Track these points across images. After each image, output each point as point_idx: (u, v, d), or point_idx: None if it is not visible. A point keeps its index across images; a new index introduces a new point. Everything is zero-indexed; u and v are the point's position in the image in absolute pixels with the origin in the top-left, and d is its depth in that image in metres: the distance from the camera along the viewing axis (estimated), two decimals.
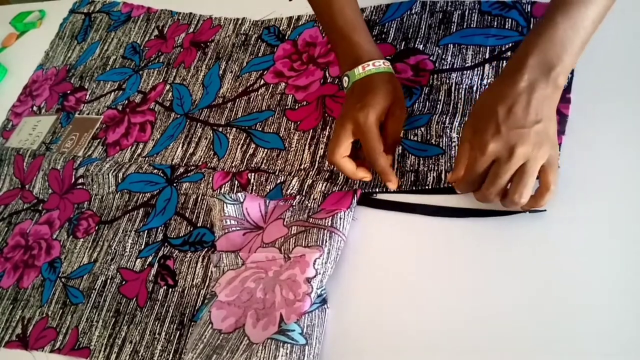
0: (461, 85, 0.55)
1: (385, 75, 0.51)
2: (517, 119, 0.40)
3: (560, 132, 0.48)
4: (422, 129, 0.54)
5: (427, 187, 0.51)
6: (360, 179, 0.52)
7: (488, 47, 0.56)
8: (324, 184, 0.55)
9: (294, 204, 0.54)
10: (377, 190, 0.53)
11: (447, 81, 0.56)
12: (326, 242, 0.49)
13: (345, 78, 0.53)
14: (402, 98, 0.52)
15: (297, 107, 0.64)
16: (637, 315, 0.40)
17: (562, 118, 0.49)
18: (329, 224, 0.50)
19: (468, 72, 0.56)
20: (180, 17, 0.82)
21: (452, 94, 0.55)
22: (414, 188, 0.52)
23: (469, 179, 0.44)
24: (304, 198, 0.55)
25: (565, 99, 0.49)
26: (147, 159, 0.69)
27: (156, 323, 0.54)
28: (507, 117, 0.41)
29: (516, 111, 0.41)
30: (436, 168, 0.51)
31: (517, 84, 0.41)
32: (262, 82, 0.68)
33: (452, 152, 0.51)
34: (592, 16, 0.41)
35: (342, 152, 0.50)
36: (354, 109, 0.50)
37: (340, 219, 0.51)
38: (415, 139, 0.54)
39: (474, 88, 0.55)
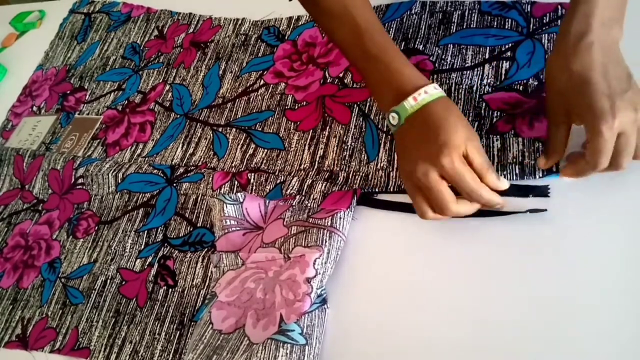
0: (461, 86, 0.55)
1: (442, 102, 0.44)
2: (618, 80, 0.39)
3: None
4: None
5: None
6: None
7: (488, 47, 0.56)
8: (324, 184, 0.55)
9: (293, 204, 0.54)
10: (377, 190, 0.53)
11: (447, 81, 0.56)
12: (326, 242, 0.49)
13: (394, 115, 0.45)
14: (468, 123, 0.44)
15: (296, 107, 0.64)
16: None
17: None
18: (329, 223, 0.50)
19: (468, 72, 0.56)
20: (180, 17, 0.82)
21: (452, 94, 0.55)
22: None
23: (596, 162, 0.40)
24: (303, 198, 0.55)
25: None
26: (146, 159, 0.69)
27: (156, 323, 0.54)
28: (609, 83, 0.39)
29: (611, 74, 0.39)
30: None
31: (590, 50, 0.40)
32: (262, 82, 0.68)
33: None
34: None
35: (451, 199, 0.43)
36: (431, 155, 0.42)
37: (340, 218, 0.51)
38: None
39: (474, 88, 0.55)
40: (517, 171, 0.48)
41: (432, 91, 0.44)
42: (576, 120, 0.42)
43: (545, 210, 0.45)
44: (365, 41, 0.48)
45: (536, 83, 0.52)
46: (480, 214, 0.47)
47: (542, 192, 0.46)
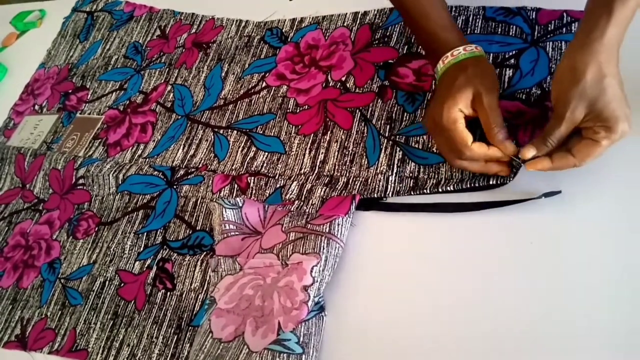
0: None
1: (463, 64, 0.48)
2: (623, 92, 0.42)
3: None
4: (425, 136, 0.53)
5: (424, 191, 0.51)
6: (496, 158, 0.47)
7: (491, 54, 0.55)
8: (323, 189, 0.54)
9: (292, 209, 0.54)
10: (375, 195, 0.53)
11: None
12: (323, 249, 0.49)
13: (435, 76, 0.52)
14: (489, 80, 0.47)
15: (298, 110, 0.63)
16: None
17: None
18: (327, 230, 0.50)
19: None
20: (182, 17, 0.82)
21: None
22: (412, 193, 0.51)
23: (584, 162, 0.43)
24: (302, 203, 0.54)
25: None
26: (147, 160, 0.69)
27: (154, 326, 0.54)
28: (622, 95, 0.41)
29: (623, 89, 0.42)
30: (436, 176, 0.51)
31: (611, 60, 0.41)
32: (264, 84, 0.67)
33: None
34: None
35: (467, 140, 0.46)
36: (431, 111, 0.49)
37: (338, 225, 0.50)
38: (417, 146, 0.54)
39: None
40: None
41: (457, 53, 0.48)
42: (592, 122, 0.42)
43: (560, 192, 0.45)
44: (422, 11, 0.52)
45: (539, 92, 0.51)
46: (484, 206, 0.47)
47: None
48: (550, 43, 0.54)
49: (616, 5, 0.41)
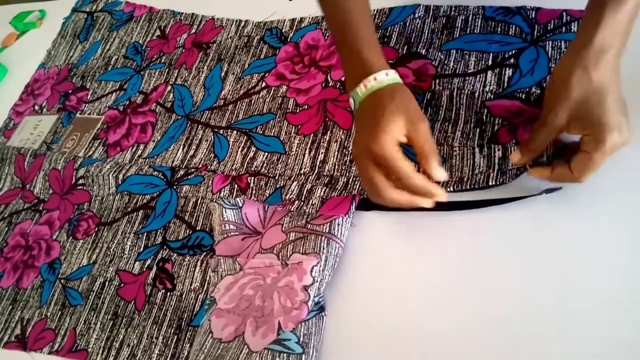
0: (463, 91, 0.55)
1: (390, 90, 0.45)
2: (622, 104, 0.40)
3: None
4: None
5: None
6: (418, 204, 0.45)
7: (491, 54, 0.55)
8: (323, 189, 0.54)
9: (292, 209, 0.54)
10: None
11: (449, 86, 0.56)
12: (323, 249, 0.49)
13: (351, 100, 0.48)
14: (416, 109, 0.45)
15: (298, 110, 0.63)
16: None
17: None
18: (327, 230, 0.50)
19: (470, 78, 0.55)
20: (182, 18, 0.82)
21: (454, 100, 0.55)
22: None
23: (582, 176, 0.42)
24: (302, 203, 0.54)
25: None
26: (147, 160, 0.69)
27: (154, 327, 0.54)
28: (622, 105, 0.40)
29: (618, 97, 0.40)
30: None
31: (602, 66, 0.40)
32: (264, 84, 0.67)
33: (452, 160, 0.51)
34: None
35: (382, 187, 0.44)
36: (366, 140, 0.44)
37: (338, 225, 0.50)
38: None
39: (476, 94, 0.54)
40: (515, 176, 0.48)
41: (382, 78, 0.46)
42: (577, 129, 0.42)
43: (561, 188, 0.45)
44: (345, 25, 0.49)
45: (539, 92, 0.51)
46: (485, 203, 0.47)
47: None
48: (550, 42, 0.54)
49: (607, 10, 0.40)
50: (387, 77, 0.46)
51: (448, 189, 0.49)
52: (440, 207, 0.48)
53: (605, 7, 0.40)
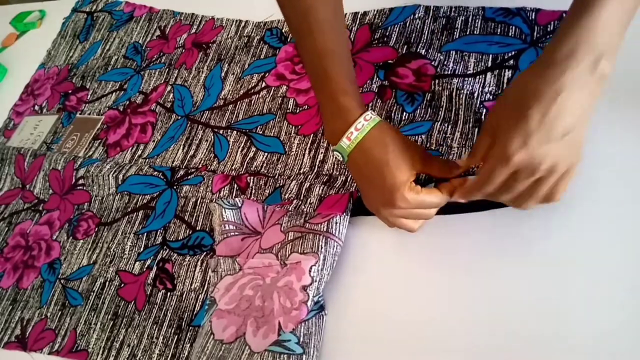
0: (462, 91, 0.55)
1: (375, 138, 0.43)
2: (548, 129, 0.35)
3: None
4: (423, 136, 0.53)
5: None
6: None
7: (490, 55, 0.56)
8: (321, 187, 0.54)
9: (290, 209, 0.54)
10: None
11: (449, 86, 0.56)
12: (321, 248, 0.49)
13: (337, 153, 0.46)
14: (408, 144, 0.44)
15: (298, 111, 0.63)
16: None
17: None
18: (325, 229, 0.50)
19: (469, 79, 0.55)
20: (182, 18, 0.82)
21: (454, 100, 0.55)
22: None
23: (481, 186, 0.40)
24: (300, 203, 0.54)
25: None
26: (147, 160, 0.69)
27: (154, 327, 0.54)
28: (539, 127, 0.35)
29: (550, 119, 0.35)
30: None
31: (557, 81, 0.35)
32: (264, 84, 0.68)
33: (450, 158, 0.51)
34: None
35: (413, 225, 0.45)
36: (381, 201, 0.43)
37: (336, 223, 0.50)
38: None
39: (475, 94, 0.54)
40: None
41: (362, 126, 0.43)
42: (494, 136, 0.39)
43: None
44: (319, 67, 0.45)
45: None
46: (484, 207, 0.46)
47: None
48: None
49: (574, 15, 0.36)
50: (366, 122, 0.43)
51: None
52: (441, 210, 0.49)
53: (572, 14, 0.36)
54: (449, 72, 0.57)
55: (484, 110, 0.53)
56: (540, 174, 0.37)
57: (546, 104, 0.35)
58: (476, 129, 0.52)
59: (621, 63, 0.40)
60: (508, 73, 0.54)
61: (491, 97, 0.53)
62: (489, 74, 0.54)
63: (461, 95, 0.55)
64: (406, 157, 0.43)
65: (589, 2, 0.35)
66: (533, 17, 0.56)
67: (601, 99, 0.37)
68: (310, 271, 0.47)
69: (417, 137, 0.54)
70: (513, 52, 0.55)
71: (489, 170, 0.38)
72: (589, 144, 0.45)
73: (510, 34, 0.56)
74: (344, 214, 0.50)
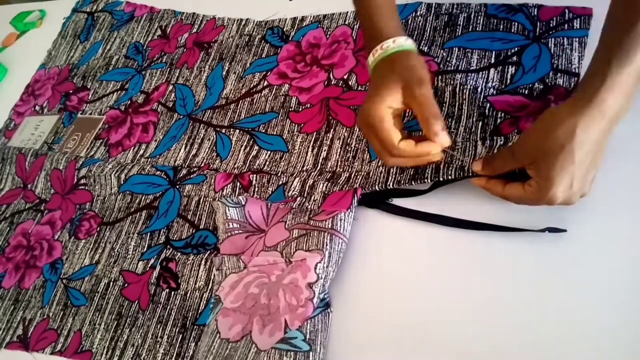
0: (466, 86, 0.55)
1: (395, 57, 0.46)
2: (588, 171, 0.40)
3: None
4: None
5: (425, 180, 0.50)
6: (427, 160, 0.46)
7: (494, 52, 0.56)
8: (325, 184, 0.54)
9: (294, 206, 0.54)
10: (377, 187, 0.52)
11: (452, 82, 0.56)
12: (327, 245, 0.49)
13: (369, 68, 0.50)
14: (417, 75, 0.45)
15: (300, 109, 0.63)
16: None
17: None
18: (329, 226, 0.50)
19: (473, 74, 0.55)
20: (183, 17, 0.82)
21: (457, 95, 0.55)
22: (412, 183, 0.51)
23: (517, 200, 0.43)
24: (304, 200, 0.54)
25: (567, 96, 0.50)
26: (149, 160, 0.68)
27: (158, 326, 0.54)
28: (582, 173, 0.39)
29: (590, 162, 0.40)
30: (434, 166, 0.51)
31: (598, 129, 0.39)
32: (266, 83, 0.67)
33: (455, 152, 0.51)
34: None
35: (382, 152, 0.46)
36: (362, 108, 0.47)
37: (341, 220, 0.50)
38: None
39: (479, 89, 0.54)
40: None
41: (388, 45, 0.47)
42: (532, 172, 0.42)
43: (565, 230, 0.44)
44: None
45: (542, 87, 0.51)
46: (494, 227, 0.46)
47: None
48: (552, 39, 0.54)
49: (612, 67, 0.38)
50: (393, 44, 0.47)
51: (449, 177, 0.49)
52: (444, 222, 0.49)
53: (611, 65, 0.38)
54: (452, 69, 0.57)
55: (488, 105, 0.52)
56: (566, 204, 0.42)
57: (587, 149, 0.39)
58: (480, 123, 0.52)
59: None
60: (511, 69, 0.54)
61: (495, 92, 0.53)
62: (492, 70, 0.54)
63: (465, 91, 0.54)
64: (404, 81, 0.44)
65: (622, 56, 0.38)
66: (535, 13, 0.56)
67: None
68: (315, 268, 0.47)
69: (420, 133, 0.54)
70: (516, 49, 0.55)
71: (532, 196, 0.41)
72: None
73: (513, 30, 0.56)
74: (349, 210, 0.50)
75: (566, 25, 0.54)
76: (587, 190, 0.41)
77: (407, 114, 0.56)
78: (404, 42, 0.47)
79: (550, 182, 0.39)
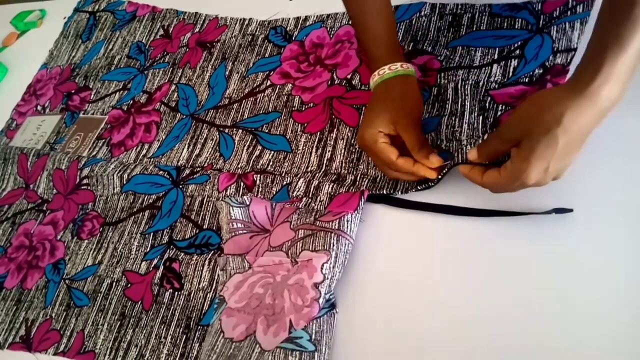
0: (467, 82, 0.54)
1: (389, 83, 0.51)
2: (567, 157, 0.40)
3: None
4: (432, 133, 0.53)
5: (431, 185, 0.50)
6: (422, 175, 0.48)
7: (497, 48, 0.55)
8: (331, 185, 0.54)
9: (300, 206, 0.54)
10: (384, 191, 0.52)
11: (454, 78, 0.55)
12: (333, 245, 0.48)
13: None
14: (408, 104, 0.49)
15: (304, 108, 0.63)
16: None
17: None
18: (336, 226, 0.50)
19: (475, 70, 0.55)
20: (185, 17, 0.82)
21: (459, 92, 0.54)
22: (418, 187, 0.51)
23: (492, 186, 0.44)
24: (310, 200, 0.54)
25: (563, 72, 0.50)
26: (152, 160, 0.68)
27: (162, 327, 0.54)
28: (560, 157, 0.39)
29: (570, 149, 0.39)
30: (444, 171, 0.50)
31: (583, 114, 0.38)
32: (269, 82, 0.67)
33: (462, 156, 0.51)
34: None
35: (384, 168, 0.50)
36: (359, 132, 0.51)
37: (348, 221, 0.50)
38: None
39: (480, 84, 0.54)
40: None
41: (383, 72, 0.51)
42: (512, 150, 0.42)
43: (572, 210, 0.44)
44: (363, 25, 0.54)
45: (541, 71, 0.51)
46: (498, 213, 0.46)
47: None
48: (554, 27, 0.53)
49: (608, 55, 0.37)
50: (389, 71, 0.51)
51: (449, 166, 0.49)
52: (451, 211, 0.49)
53: (605, 54, 0.37)
54: (455, 65, 0.56)
55: (489, 98, 0.52)
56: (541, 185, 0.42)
57: (571, 137, 0.39)
58: (480, 117, 0.52)
59: None
60: (514, 62, 0.53)
61: (497, 86, 0.53)
62: (495, 66, 0.54)
63: (466, 86, 0.54)
64: (395, 110, 0.49)
65: (620, 39, 0.37)
66: (539, 8, 0.56)
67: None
68: (322, 268, 0.47)
69: (426, 134, 0.54)
70: (519, 43, 0.54)
71: (507, 178, 0.42)
72: (589, 146, 0.45)
73: (516, 27, 0.56)
74: (356, 212, 0.50)
75: (569, 12, 0.54)
76: (560, 175, 0.41)
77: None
78: (400, 68, 0.51)
79: (527, 163, 0.40)
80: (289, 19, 0.72)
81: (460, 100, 0.54)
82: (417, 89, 0.51)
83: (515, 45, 0.55)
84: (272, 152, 0.61)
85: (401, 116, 0.49)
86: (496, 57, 0.55)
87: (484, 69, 0.55)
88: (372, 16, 0.53)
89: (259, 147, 0.63)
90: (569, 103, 0.38)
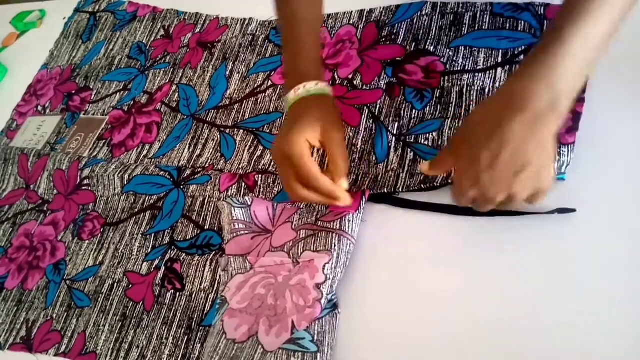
0: (473, 87, 0.54)
1: (316, 98, 0.49)
2: (500, 170, 0.37)
3: (574, 128, 0.47)
4: (434, 134, 0.53)
5: (435, 185, 0.50)
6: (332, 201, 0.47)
7: (500, 50, 0.55)
8: None
9: (301, 206, 0.54)
10: (385, 191, 0.52)
11: (459, 83, 0.55)
12: (335, 246, 0.48)
13: (284, 104, 0.52)
14: (335, 119, 0.49)
15: None
16: None
17: (576, 116, 0.47)
18: (338, 227, 0.50)
19: (480, 74, 0.55)
20: (186, 17, 0.81)
21: (464, 96, 0.54)
22: (422, 187, 0.51)
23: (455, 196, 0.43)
24: None
25: (579, 99, 0.49)
26: (153, 160, 0.68)
27: (163, 327, 0.54)
28: (488, 169, 0.37)
29: (500, 161, 0.37)
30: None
31: (514, 118, 0.36)
32: (270, 83, 0.67)
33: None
34: (604, 27, 0.36)
35: (292, 181, 0.47)
36: (279, 140, 0.48)
37: (349, 221, 0.50)
38: (426, 143, 0.53)
39: (486, 90, 0.54)
40: None
41: (310, 87, 0.49)
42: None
43: (575, 210, 0.44)
44: (293, 35, 0.53)
45: None
46: (505, 212, 0.46)
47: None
48: None
49: (532, 67, 0.36)
50: (315, 86, 0.50)
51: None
52: (453, 211, 0.48)
53: (532, 60, 0.37)
54: (459, 69, 0.56)
55: None
56: (499, 202, 0.39)
57: (497, 145, 0.37)
58: None
59: None
60: (519, 67, 0.53)
61: None
62: (499, 70, 0.54)
63: (472, 92, 0.54)
64: (324, 122, 0.47)
65: (547, 41, 0.37)
66: (542, 11, 0.56)
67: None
68: (324, 269, 0.47)
69: (428, 134, 0.54)
70: (523, 47, 0.54)
71: (457, 191, 0.41)
72: (590, 146, 0.45)
73: (519, 29, 0.56)
74: (357, 212, 0.50)
75: None
76: (545, 185, 0.38)
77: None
78: (325, 87, 0.50)
79: (458, 179, 0.40)
80: None
81: (464, 105, 0.54)
82: (339, 110, 0.51)
83: (520, 49, 0.55)
84: None
85: (331, 129, 0.47)
86: (500, 60, 0.55)
87: (488, 73, 0.54)
88: (305, 27, 0.52)
89: (261, 148, 0.62)
90: (503, 113, 0.37)
